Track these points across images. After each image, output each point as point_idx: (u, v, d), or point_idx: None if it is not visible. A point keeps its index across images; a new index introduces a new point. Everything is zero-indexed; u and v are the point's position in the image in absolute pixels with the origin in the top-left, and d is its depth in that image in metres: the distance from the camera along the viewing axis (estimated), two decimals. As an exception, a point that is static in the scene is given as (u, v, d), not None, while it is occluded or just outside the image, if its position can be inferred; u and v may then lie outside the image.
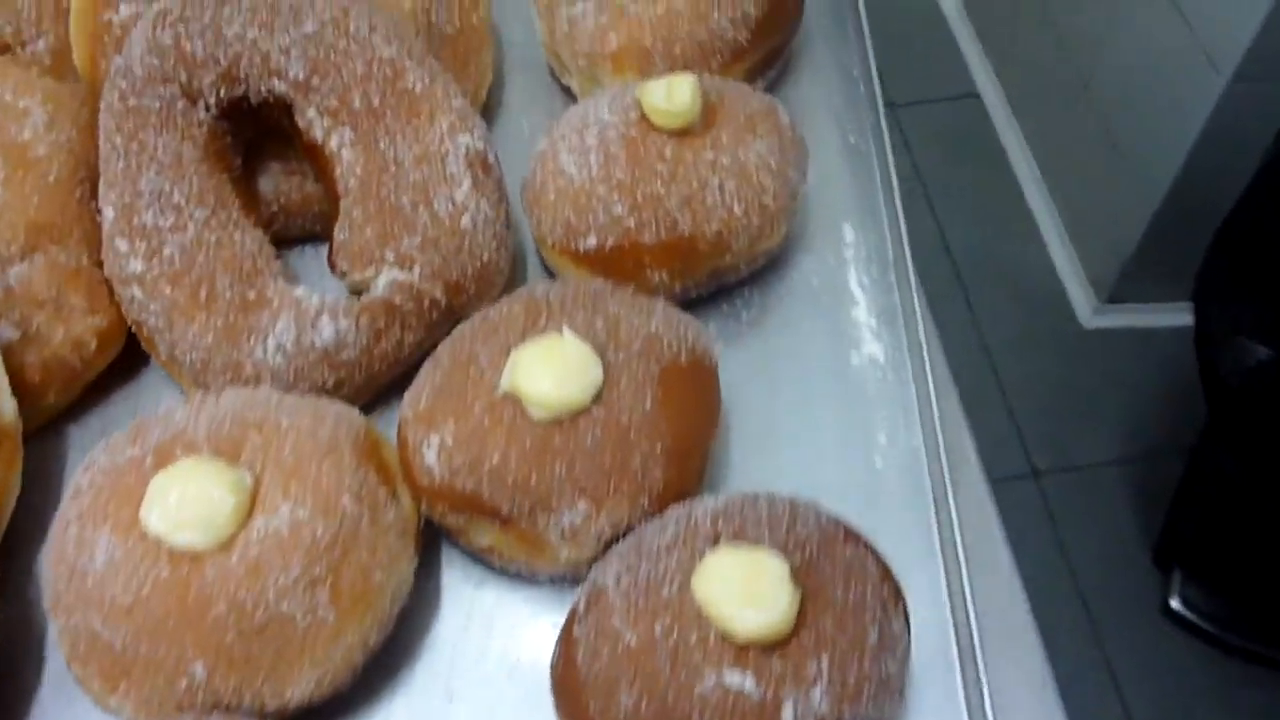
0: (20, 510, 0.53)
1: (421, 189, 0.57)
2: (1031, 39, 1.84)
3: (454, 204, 0.57)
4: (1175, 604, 1.43)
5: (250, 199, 0.60)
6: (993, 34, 2.03)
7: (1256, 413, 1.24)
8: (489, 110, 0.69)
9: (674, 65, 0.63)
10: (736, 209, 0.56)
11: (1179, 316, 1.69)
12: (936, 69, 2.18)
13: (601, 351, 0.50)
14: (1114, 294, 1.71)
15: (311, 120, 0.59)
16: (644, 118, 0.57)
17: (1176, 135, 1.41)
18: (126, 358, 0.59)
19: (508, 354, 0.50)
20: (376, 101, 0.58)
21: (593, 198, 0.57)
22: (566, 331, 0.50)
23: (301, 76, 0.58)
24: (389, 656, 0.50)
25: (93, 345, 0.57)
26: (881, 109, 0.66)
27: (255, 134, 0.62)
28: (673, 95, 0.56)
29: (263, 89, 0.59)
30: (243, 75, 0.58)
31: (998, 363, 1.80)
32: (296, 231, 0.64)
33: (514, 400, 0.49)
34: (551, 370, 0.48)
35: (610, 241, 0.57)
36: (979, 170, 2.02)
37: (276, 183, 0.63)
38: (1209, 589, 1.44)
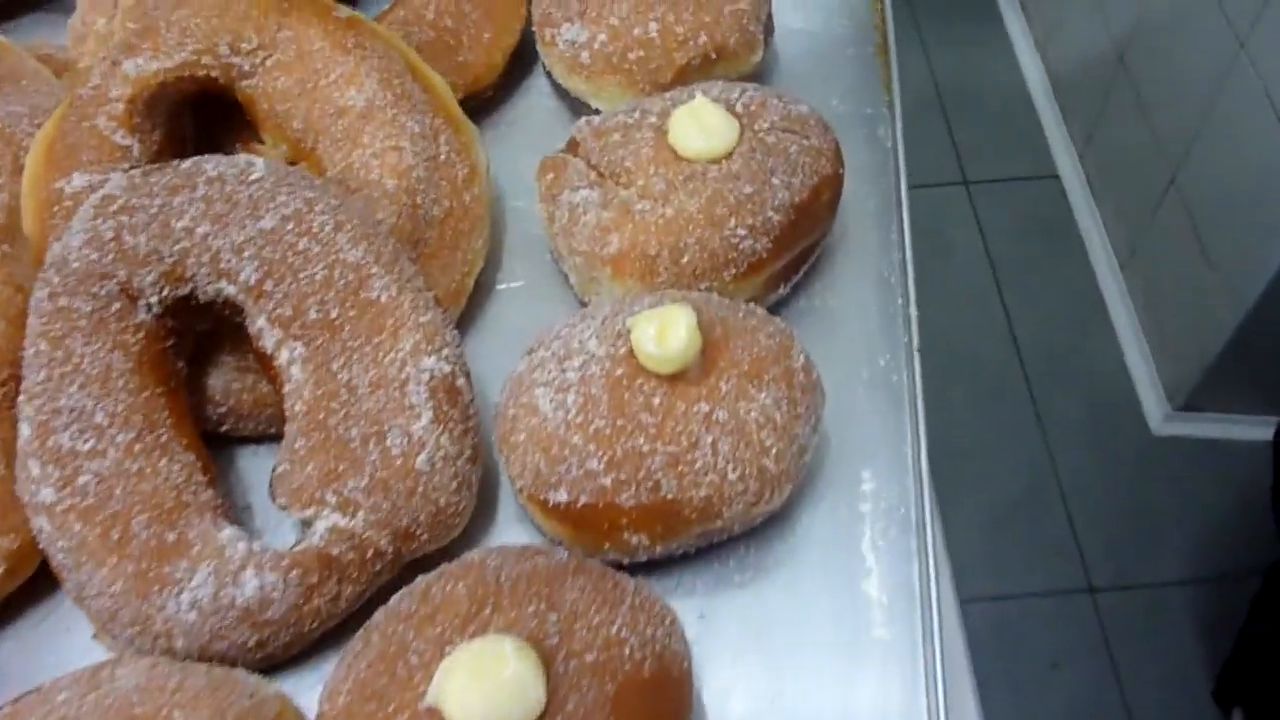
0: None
1: (374, 420, 0.50)
2: (1119, 124, 1.75)
3: (410, 439, 0.50)
4: (1234, 751, 1.31)
5: (186, 415, 0.53)
6: (1078, 115, 1.93)
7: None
8: (479, 292, 0.62)
9: (681, 276, 0.56)
10: (731, 474, 0.49)
11: (1255, 430, 1.62)
12: (1017, 147, 2.09)
13: (550, 659, 0.43)
14: (1189, 401, 1.64)
15: (262, 329, 0.52)
16: (633, 356, 0.50)
17: (1269, 243, 1.34)
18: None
19: (441, 652, 0.43)
20: (335, 313, 0.51)
21: (566, 447, 0.49)
22: (508, 646, 0.42)
23: (254, 280, 0.52)
24: None
25: (1, 568, 0.51)
26: (915, 329, 0.58)
27: (208, 325, 0.55)
28: (665, 339, 0.49)
29: (210, 291, 0.52)
30: (189, 275, 0.52)
31: (1059, 464, 1.72)
32: (248, 432, 0.57)
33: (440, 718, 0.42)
34: (485, 690, 0.41)
35: (583, 500, 0.49)
36: (1053, 256, 1.94)
37: (228, 380, 0.56)
38: (1274, 737, 1.32)
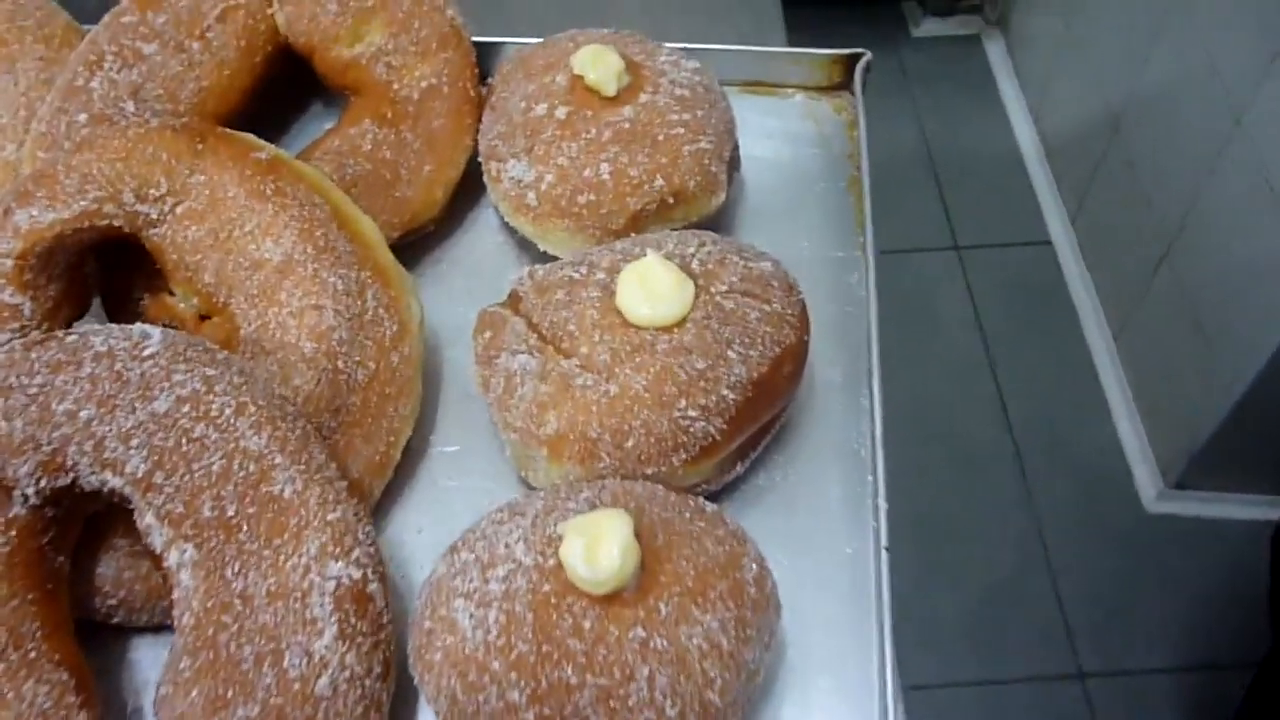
0: None
1: (271, 637, 0.44)
2: (1113, 193, 1.73)
3: (310, 660, 0.44)
4: None
5: (63, 622, 0.47)
6: (1071, 182, 1.90)
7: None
8: (410, 456, 0.56)
9: (625, 461, 0.50)
10: (669, 710, 0.43)
11: (1249, 509, 1.58)
12: (1009, 213, 2.06)
13: None
14: (1182, 479, 1.59)
15: (150, 526, 0.46)
16: (561, 570, 0.44)
17: (1266, 322, 1.31)
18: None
19: None
20: (231, 510, 0.46)
21: (485, 673, 0.44)
22: None
23: (142, 471, 0.46)
24: None
25: None
26: (884, 522, 0.52)
27: (100, 507, 0.50)
28: (597, 557, 0.43)
29: (94, 481, 0.47)
30: (70, 464, 0.46)
31: (1049, 542, 1.68)
32: (143, 624, 0.52)
33: None
34: None
35: (503, 737, 0.43)
36: (1045, 324, 1.90)
37: (119, 568, 0.50)
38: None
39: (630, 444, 0.50)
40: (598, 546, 0.43)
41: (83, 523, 0.50)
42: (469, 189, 0.65)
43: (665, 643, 0.44)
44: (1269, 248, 1.27)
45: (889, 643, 0.49)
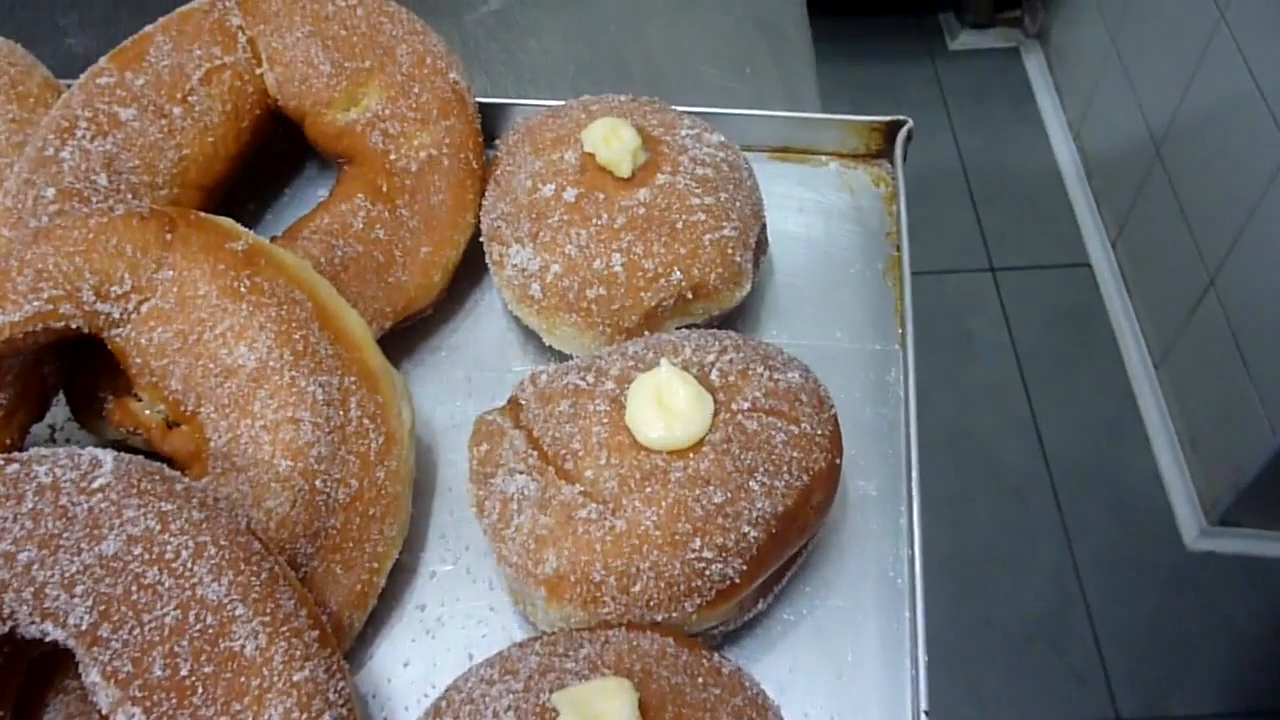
0: None
1: (226, 821, 0.39)
2: (1156, 216, 1.69)
3: None
4: None
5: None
6: (1112, 203, 1.85)
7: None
8: (400, 575, 0.51)
9: (632, 605, 0.45)
10: None
11: None
12: (1047, 234, 2.00)
13: None
14: (1226, 515, 1.52)
15: (96, 685, 0.41)
16: (558, 739, 0.39)
17: None
18: None
19: None
20: (185, 670, 0.41)
21: None
22: None
23: (86, 624, 0.41)
24: None
25: None
26: (925, 688, 0.46)
27: (46, 649, 0.45)
28: (594, 736, 0.38)
29: (34, 632, 0.41)
30: (6, 613, 0.41)
31: (1086, 582, 1.62)
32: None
33: None
34: None
35: None
36: (1083, 349, 1.85)
37: (69, 714, 0.45)
38: None
39: (638, 588, 0.44)
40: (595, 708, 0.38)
41: (27, 667, 0.45)
42: (472, 266, 0.59)
43: (671, 843, 0.38)
44: None
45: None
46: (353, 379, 0.50)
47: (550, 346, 0.56)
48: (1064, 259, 1.97)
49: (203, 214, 0.52)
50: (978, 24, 2.21)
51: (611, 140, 0.54)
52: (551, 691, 0.41)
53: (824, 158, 0.65)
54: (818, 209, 0.62)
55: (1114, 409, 1.76)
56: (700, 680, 0.42)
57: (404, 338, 0.57)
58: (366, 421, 0.49)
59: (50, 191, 0.55)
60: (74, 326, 0.48)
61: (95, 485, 0.43)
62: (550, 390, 0.50)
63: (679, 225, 0.53)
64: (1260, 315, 1.38)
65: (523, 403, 0.50)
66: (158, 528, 0.42)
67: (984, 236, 2.03)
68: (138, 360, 0.49)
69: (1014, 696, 1.52)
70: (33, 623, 0.42)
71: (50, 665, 0.46)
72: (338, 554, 0.48)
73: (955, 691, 1.47)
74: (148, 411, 0.50)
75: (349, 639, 0.49)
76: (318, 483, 0.48)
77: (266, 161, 0.64)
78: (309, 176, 0.66)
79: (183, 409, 0.49)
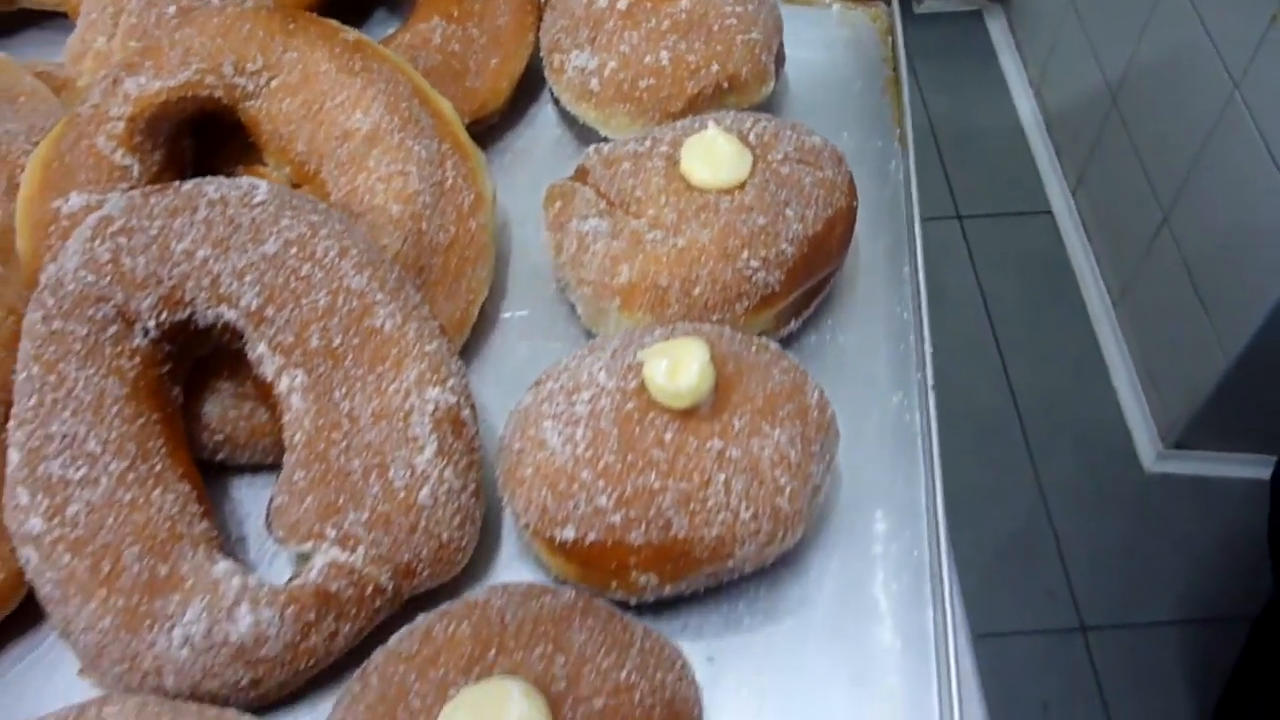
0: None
1: (377, 452, 0.48)
2: (1113, 163, 1.76)
3: (413, 473, 0.48)
4: (1228, 791, 1.29)
5: (182, 443, 0.51)
6: (1072, 153, 1.94)
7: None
8: (483, 322, 0.60)
9: (692, 308, 0.54)
10: (744, 513, 0.47)
11: (1247, 468, 1.62)
12: (1010, 184, 2.09)
13: (557, 704, 0.41)
14: (1181, 439, 1.63)
15: (262, 356, 0.51)
16: (645, 389, 0.48)
17: (1262, 282, 1.34)
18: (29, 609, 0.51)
19: (444, 696, 0.41)
20: (337, 341, 0.50)
21: (575, 482, 0.48)
22: (514, 691, 0.41)
23: (254, 305, 0.50)
24: None
25: (-16, 601, 0.49)
26: (930, 367, 0.56)
27: (206, 349, 0.54)
28: (678, 373, 0.47)
29: (210, 316, 0.51)
30: (188, 299, 0.50)
31: (1052, 505, 1.71)
32: (244, 462, 0.56)
33: (443, 766, 0.40)
34: (490, 739, 0.39)
35: (591, 537, 0.48)
36: (1047, 292, 1.94)
37: (224, 408, 0.54)
38: (1269, 779, 1.30)
39: (697, 291, 0.54)
40: (678, 365, 0.48)
41: (191, 364, 0.54)
42: (527, 88, 0.69)
43: (739, 452, 0.48)
44: (1265, 211, 1.31)
45: (938, 470, 0.53)
46: (448, 146, 0.59)
47: (605, 139, 0.65)
48: (1027, 207, 2.07)
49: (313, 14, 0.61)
50: (942, -13, 2.31)
51: (656, -42, 0.64)
52: (636, 354, 0.50)
53: (827, 2, 0.75)
54: (823, 42, 0.73)
55: (1076, 346, 1.85)
56: (753, 349, 0.52)
57: (475, 141, 0.67)
58: (460, 181, 0.59)
59: (171, 9, 0.64)
60: (216, 96, 0.57)
61: (255, 201, 0.52)
62: (613, 156, 0.59)
63: (715, 28, 0.63)
64: (1210, 249, 1.46)
65: (589, 168, 0.60)
66: (308, 233, 0.51)
67: (950, 187, 2.13)
68: (267, 128, 0.58)
69: (989, 607, 1.60)
70: (209, 307, 0.51)
71: (207, 370, 0.55)
72: (440, 287, 0.58)
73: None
74: (274, 174, 0.59)
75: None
76: (423, 225, 0.57)
77: (340, 7, 0.73)
78: (379, 19, 0.75)
79: (306, 170, 0.58)
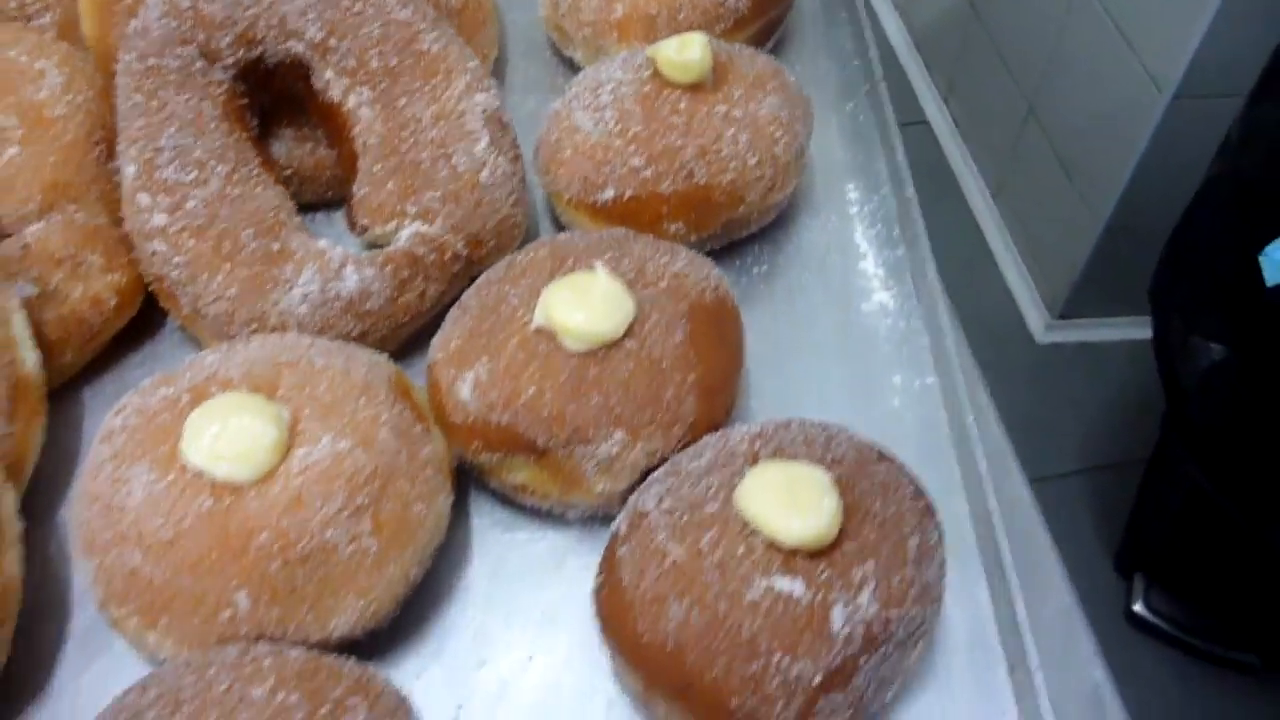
0: (35, 471, 0.52)
1: (440, 145, 0.58)
2: (979, 69, 1.88)
3: (473, 159, 0.58)
4: (1138, 608, 1.44)
5: (268, 161, 0.60)
6: (940, 66, 2.08)
7: (1213, 411, 1.26)
8: (491, 85, 0.70)
9: (677, 31, 0.65)
10: (750, 160, 0.58)
11: (1128, 330, 1.75)
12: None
13: (630, 288, 0.51)
14: (1065, 310, 1.74)
15: (329, 80, 0.59)
16: (657, 74, 0.59)
17: (1122, 153, 1.44)
18: (141, 321, 0.59)
19: (538, 294, 0.51)
20: (394, 62, 0.59)
21: (610, 151, 0.58)
22: (599, 266, 0.50)
23: (319, 38, 0.59)
24: (422, 603, 0.50)
25: (111, 303, 0.57)
26: (880, 80, 0.68)
27: (269, 100, 0.62)
28: (685, 50, 0.58)
29: (280, 50, 0.59)
30: (260, 36, 0.59)
31: None
32: (308, 198, 0.64)
33: (548, 335, 0.49)
34: (585, 303, 0.49)
35: (628, 193, 0.58)
36: (931, 196, 2.06)
37: (289, 148, 0.63)
38: (1170, 593, 1.46)
39: (681, 17, 0.65)
40: (685, 44, 0.58)
41: (261, 107, 0.62)
42: None
43: (742, 113, 0.59)
44: (1119, 85, 1.42)
45: (900, 157, 0.65)
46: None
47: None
48: (904, 119, 2.22)
49: None
50: (803, -81, 2.45)
51: None
52: (643, 55, 0.61)
53: None
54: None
55: (963, 240, 1.99)
56: (736, 48, 0.63)
57: None
58: None
59: None
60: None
61: (306, -44, 0.61)
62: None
63: None
64: (1074, 129, 1.57)
65: None
66: None
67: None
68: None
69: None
70: (279, 42, 0.59)
71: (270, 120, 0.63)
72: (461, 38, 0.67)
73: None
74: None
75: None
76: (439, -9, 0.67)
77: None
78: None
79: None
